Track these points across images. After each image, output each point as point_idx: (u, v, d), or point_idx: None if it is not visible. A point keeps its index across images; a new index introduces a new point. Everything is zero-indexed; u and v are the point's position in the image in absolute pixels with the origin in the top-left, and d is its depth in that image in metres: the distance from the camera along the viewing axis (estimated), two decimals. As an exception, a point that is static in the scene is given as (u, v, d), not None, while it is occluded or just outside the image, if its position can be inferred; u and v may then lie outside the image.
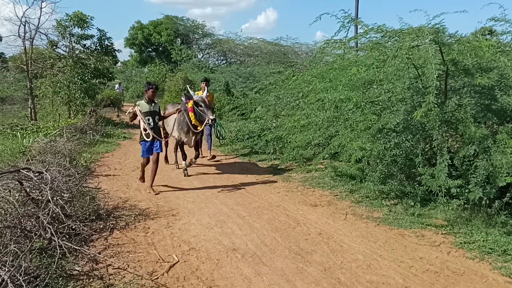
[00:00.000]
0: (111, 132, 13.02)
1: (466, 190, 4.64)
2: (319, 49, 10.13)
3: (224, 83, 17.00)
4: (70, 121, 12.99)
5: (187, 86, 8.66)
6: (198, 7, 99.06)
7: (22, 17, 13.05)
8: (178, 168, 8.16)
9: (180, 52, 32.61)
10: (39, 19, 13.40)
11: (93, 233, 4.56)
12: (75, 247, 3.97)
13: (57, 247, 3.73)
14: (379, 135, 5.52)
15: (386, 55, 5.55)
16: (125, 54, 53.81)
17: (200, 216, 5.32)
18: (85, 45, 16.69)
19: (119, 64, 39.68)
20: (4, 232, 3.76)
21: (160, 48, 36.47)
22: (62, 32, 15.34)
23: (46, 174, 4.81)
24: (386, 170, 5.70)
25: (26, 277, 3.13)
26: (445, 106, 5.20)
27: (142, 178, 6.84)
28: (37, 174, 4.90)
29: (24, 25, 13.21)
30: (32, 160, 7.11)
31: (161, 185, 6.84)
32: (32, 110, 14.22)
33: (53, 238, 3.85)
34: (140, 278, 3.59)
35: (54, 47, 16.26)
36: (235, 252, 4.19)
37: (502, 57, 4.82)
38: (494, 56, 4.95)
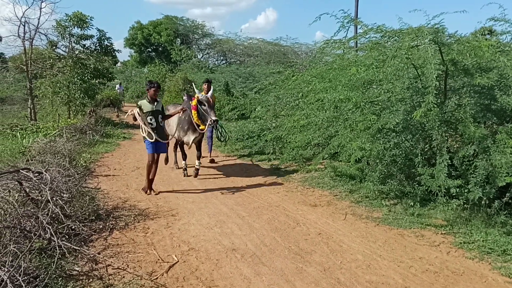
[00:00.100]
0: (110, 132, 13.02)
1: (466, 190, 4.64)
2: (318, 49, 10.15)
3: (223, 83, 16.99)
4: (69, 121, 12.99)
5: (193, 83, 8.53)
6: (198, 7, 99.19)
7: (21, 17, 13.07)
8: (177, 168, 8.15)
9: (180, 52, 32.60)
10: (38, 19, 13.43)
11: (93, 233, 4.55)
12: (74, 247, 3.97)
13: (57, 247, 3.73)
14: (378, 135, 5.52)
15: (385, 55, 5.55)
16: (124, 54, 53.80)
17: (199, 216, 5.32)
18: (84, 45, 16.71)
19: (118, 64, 39.69)
20: (4, 232, 3.76)
21: (160, 48, 36.46)
22: (61, 32, 15.34)
23: (45, 174, 4.81)
24: (385, 170, 5.70)
25: (25, 277, 3.13)
26: (444, 106, 5.20)
27: (149, 187, 6.35)
28: (36, 174, 4.89)
29: (24, 26, 13.24)
30: (31, 160, 7.11)
31: (161, 185, 6.84)
32: (32, 111, 14.22)
33: (52, 238, 3.85)
34: (139, 278, 3.59)
35: (54, 47, 16.26)
36: (234, 252, 4.19)
37: (502, 57, 4.82)
38: (494, 56, 4.96)
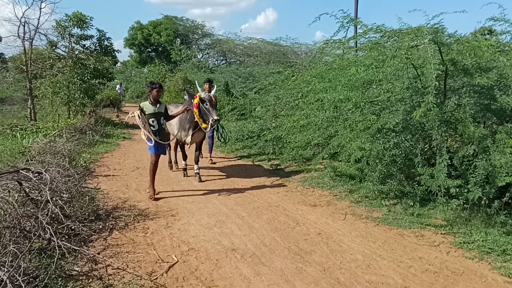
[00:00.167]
0: (110, 133, 13.02)
1: (466, 190, 4.64)
2: (318, 49, 10.15)
3: (223, 83, 16.99)
4: (69, 122, 12.98)
5: (196, 82, 8.26)
6: (198, 7, 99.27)
7: (21, 17, 13.05)
8: (177, 168, 8.14)
9: (180, 52, 32.60)
10: (38, 19, 13.41)
11: (92, 233, 4.55)
12: (74, 247, 3.97)
13: (56, 248, 3.73)
14: (378, 135, 5.52)
15: (385, 55, 5.55)
16: (124, 54, 53.84)
17: (199, 216, 5.32)
18: (84, 45, 16.70)
19: (118, 64, 39.71)
20: (4, 232, 3.75)
21: (160, 48, 36.46)
22: (61, 32, 15.33)
23: (45, 175, 4.81)
24: (385, 170, 5.70)
25: (25, 278, 3.13)
26: (444, 106, 5.20)
27: (153, 190, 6.10)
28: (36, 174, 4.89)
29: (24, 26, 13.22)
30: (31, 160, 7.11)
31: (161, 185, 6.84)
32: (32, 111, 14.21)
33: (52, 238, 3.84)
34: (139, 278, 3.59)
35: (54, 47, 16.25)
36: (234, 252, 4.19)
37: (502, 56, 4.82)
38: (494, 56, 4.96)
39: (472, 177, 4.64)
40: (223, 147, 10.44)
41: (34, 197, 4.56)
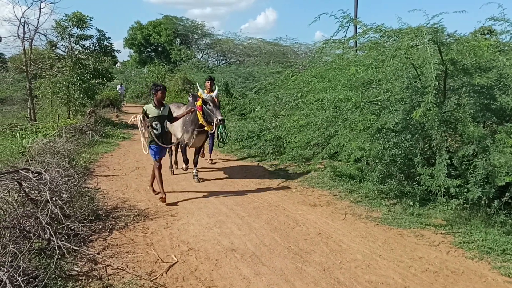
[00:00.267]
0: (110, 133, 13.02)
1: (465, 190, 4.64)
2: (318, 49, 10.15)
3: (223, 83, 16.99)
4: (69, 122, 12.98)
5: (197, 83, 8.08)
6: (198, 7, 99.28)
7: (21, 17, 13.04)
8: (177, 168, 8.12)
9: (180, 52, 32.56)
10: (38, 19, 13.40)
11: (92, 233, 4.55)
12: (74, 247, 3.97)
13: (56, 248, 3.72)
14: (378, 135, 5.52)
15: (385, 55, 5.55)
16: (124, 54, 53.71)
17: (199, 216, 5.31)
18: (84, 45, 16.73)
19: (118, 64, 39.68)
20: (3, 232, 3.75)
21: (160, 48, 36.42)
22: (61, 32, 15.34)
23: (45, 175, 4.80)
24: (385, 170, 5.70)
25: (25, 278, 3.13)
26: (444, 105, 5.20)
27: (163, 193, 5.85)
28: (36, 174, 4.89)
29: (23, 26, 13.21)
30: (31, 160, 7.10)
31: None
32: (32, 111, 14.21)
33: (52, 238, 3.84)
34: (139, 278, 3.59)
35: (53, 47, 16.25)
36: (234, 252, 4.19)
37: (501, 56, 4.83)
38: (493, 55, 4.97)
39: (472, 176, 4.64)
40: (223, 147, 10.42)
41: (34, 197, 4.56)
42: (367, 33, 6.22)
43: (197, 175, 7.24)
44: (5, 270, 3.09)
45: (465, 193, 4.64)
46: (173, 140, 7.46)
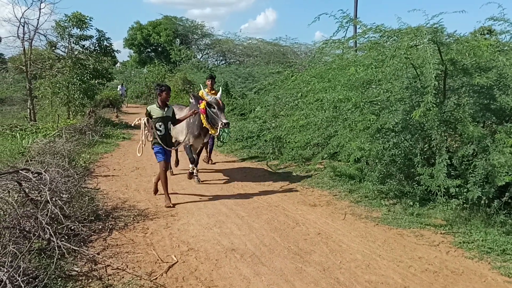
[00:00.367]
0: (110, 133, 13.02)
1: (465, 190, 4.64)
2: (318, 49, 10.15)
3: (223, 83, 17.00)
4: (69, 122, 12.99)
5: (201, 85, 7.81)
6: (197, 8, 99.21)
7: (21, 18, 13.09)
8: (176, 167, 8.08)
9: (179, 52, 32.58)
10: (38, 20, 13.44)
11: (92, 233, 4.55)
12: (74, 247, 3.97)
13: (56, 248, 3.72)
14: (378, 135, 5.52)
15: (384, 55, 5.55)
16: (124, 54, 53.69)
17: (199, 216, 5.31)
18: (84, 45, 16.73)
19: (118, 64, 39.68)
20: (3, 233, 3.75)
21: (159, 49, 36.43)
22: (61, 32, 15.35)
23: (45, 175, 4.80)
24: (385, 170, 5.70)
25: (25, 278, 3.13)
26: (443, 105, 5.20)
27: (168, 198, 5.80)
28: (36, 174, 4.89)
29: (23, 26, 13.24)
30: (31, 160, 7.11)
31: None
32: (31, 111, 14.23)
33: (52, 238, 3.84)
34: (139, 278, 3.59)
35: (53, 47, 16.27)
36: (234, 252, 4.19)
37: (501, 56, 4.83)
38: (493, 55, 4.97)
39: (472, 176, 4.64)
40: (223, 147, 10.43)
41: (34, 198, 4.56)
42: (367, 33, 6.22)
43: (197, 176, 7.21)
44: (5, 270, 3.09)
45: (465, 193, 4.64)
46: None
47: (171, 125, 6.02)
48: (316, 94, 7.09)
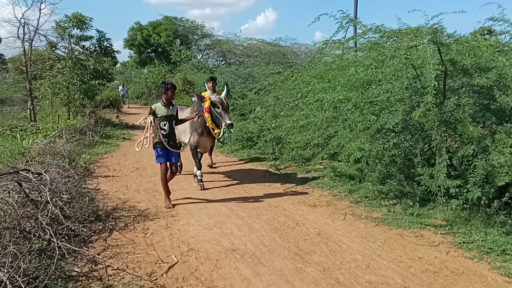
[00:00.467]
0: (110, 133, 13.03)
1: (465, 190, 4.65)
2: (318, 49, 10.17)
3: (223, 83, 17.00)
4: (69, 122, 12.98)
5: (205, 84, 7.65)
6: (197, 8, 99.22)
7: (21, 18, 13.06)
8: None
9: (180, 53, 32.58)
10: (38, 20, 13.41)
11: (92, 234, 4.56)
12: (74, 248, 3.98)
13: (56, 248, 3.73)
14: (378, 135, 5.52)
15: (384, 55, 5.56)
16: (124, 55, 53.76)
17: (199, 216, 5.32)
18: (84, 46, 16.68)
19: (118, 65, 39.68)
20: (3, 233, 3.76)
21: (160, 49, 36.43)
22: (61, 33, 15.33)
23: (45, 175, 4.81)
24: (385, 170, 5.70)
25: (25, 278, 3.13)
26: (443, 106, 5.20)
27: (168, 200, 5.77)
28: (36, 175, 4.89)
29: (23, 27, 13.22)
30: (31, 161, 7.11)
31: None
32: (32, 112, 14.22)
33: (52, 239, 3.85)
34: (139, 279, 3.59)
35: (53, 48, 16.27)
36: (234, 252, 4.19)
37: (501, 56, 4.83)
38: (493, 55, 4.97)
39: (472, 177, 4.64)
40: (223, 147, 10.44)
41: (34, 198, 4.56)
42: (367, 34, 6.23)
43: (202, 183, 6.98)
44: (6, 270, 3.10)
45: (464, 193, 4.64)
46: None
47: (176, 124, 5.95)
48: (316, 94, 7.09)
